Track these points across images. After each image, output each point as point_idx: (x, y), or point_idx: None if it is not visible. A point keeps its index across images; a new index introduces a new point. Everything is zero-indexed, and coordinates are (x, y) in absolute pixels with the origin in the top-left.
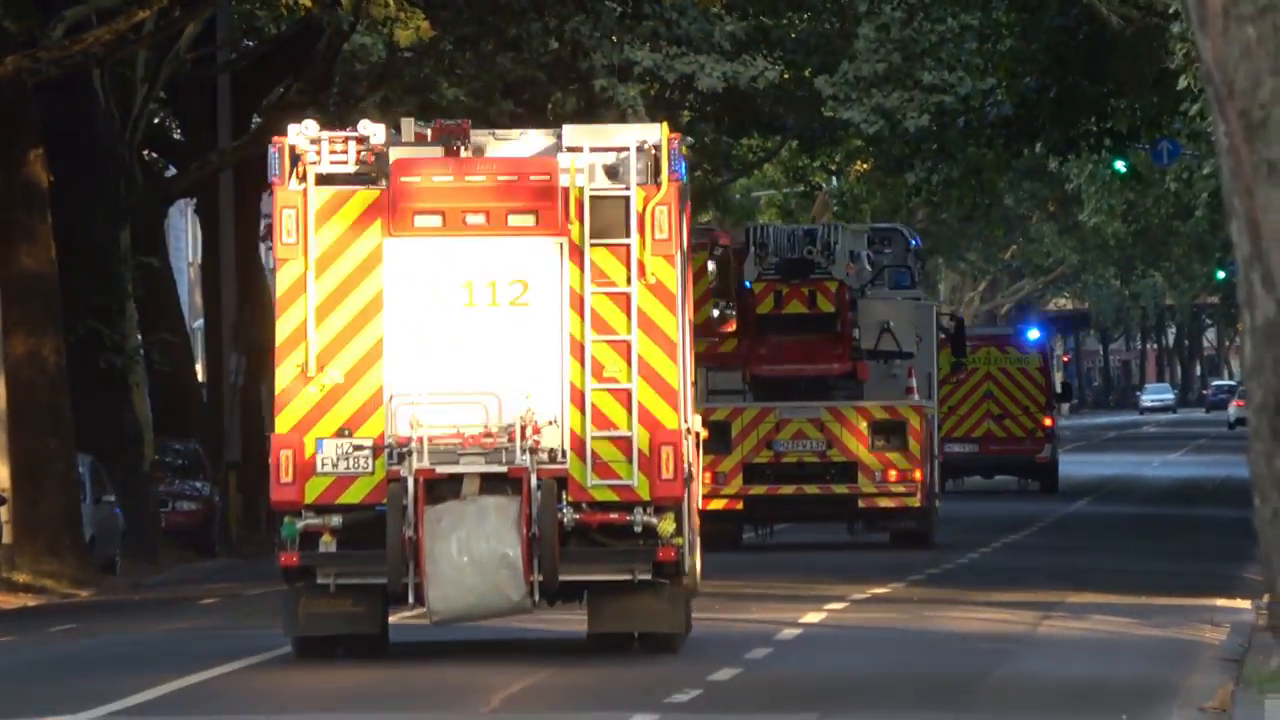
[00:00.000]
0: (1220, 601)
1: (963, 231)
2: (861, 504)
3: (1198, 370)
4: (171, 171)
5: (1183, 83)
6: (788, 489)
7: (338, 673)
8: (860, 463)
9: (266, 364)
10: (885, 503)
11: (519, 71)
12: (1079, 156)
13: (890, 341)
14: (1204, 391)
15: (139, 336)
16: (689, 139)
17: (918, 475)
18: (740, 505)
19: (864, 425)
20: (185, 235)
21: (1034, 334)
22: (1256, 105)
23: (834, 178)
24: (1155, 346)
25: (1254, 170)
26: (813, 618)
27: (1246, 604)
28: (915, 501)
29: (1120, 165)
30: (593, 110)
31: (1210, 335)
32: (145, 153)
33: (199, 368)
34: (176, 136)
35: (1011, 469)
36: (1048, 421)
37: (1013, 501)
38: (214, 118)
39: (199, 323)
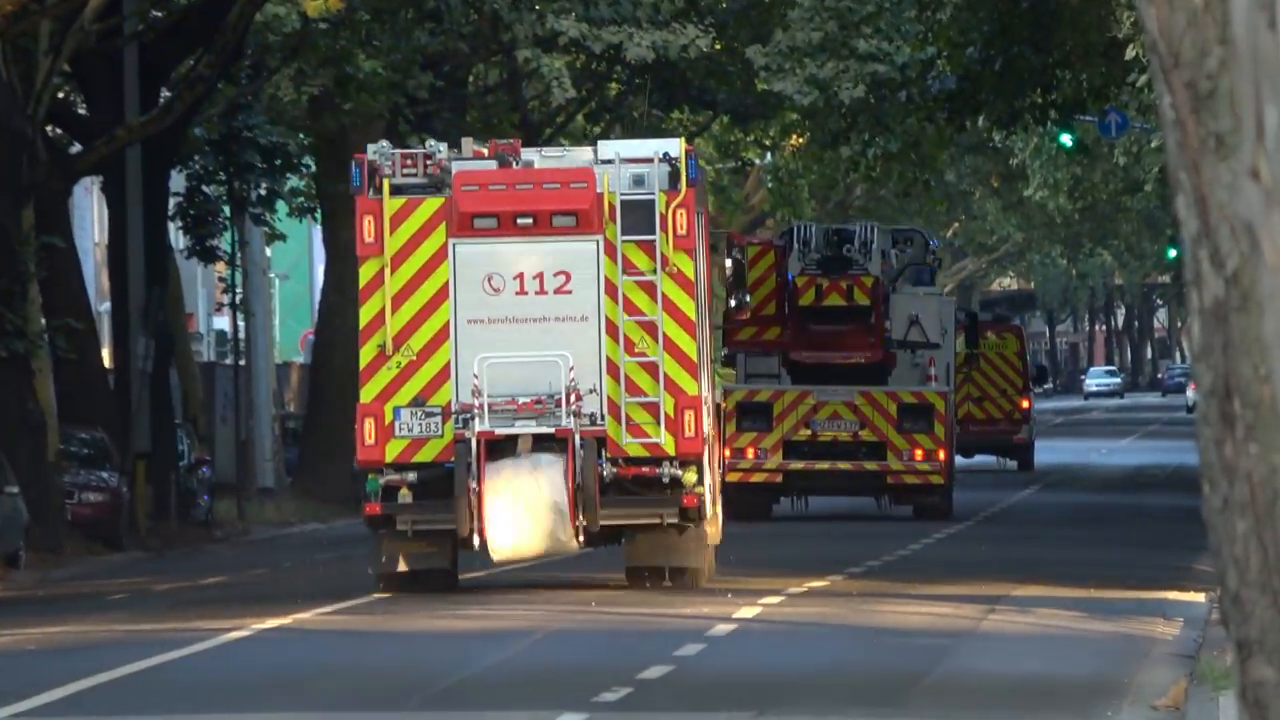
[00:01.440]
0: (1173, 595)
1: (902, 208)
2: (890, 480)
3: (1149, 352)
4: (76, 148)
5: (1131, 52)
6: (823, 465)
7: (249, 671)
8: (889, 442)
9: (178, 348)
10: (911, 479)
11: (439, 44)
12: (1023, 130)
13: (919, 333)
14: (1158, 375)
15: (42, 320)
16: (622, 113)
17: (941, 455)
18: (780, 479)
19: (893, 408)
20: (91, 214)
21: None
22: (1203, 76)
23: (768, 153)
24: (1104, 328)
25: (1201, 144)
26: (747, 612)
27: (1200, 597)
28: (939, 479)
29: (1066, 139)
30: (516, 83)
31: (1162, 316)
32: (49, 128)
33: (105, 353)
34: (81, 111)
35: (990, 449)
36: (1025, 403)
37: (956, 490)
38: (120, 92)
39: (105, 306)
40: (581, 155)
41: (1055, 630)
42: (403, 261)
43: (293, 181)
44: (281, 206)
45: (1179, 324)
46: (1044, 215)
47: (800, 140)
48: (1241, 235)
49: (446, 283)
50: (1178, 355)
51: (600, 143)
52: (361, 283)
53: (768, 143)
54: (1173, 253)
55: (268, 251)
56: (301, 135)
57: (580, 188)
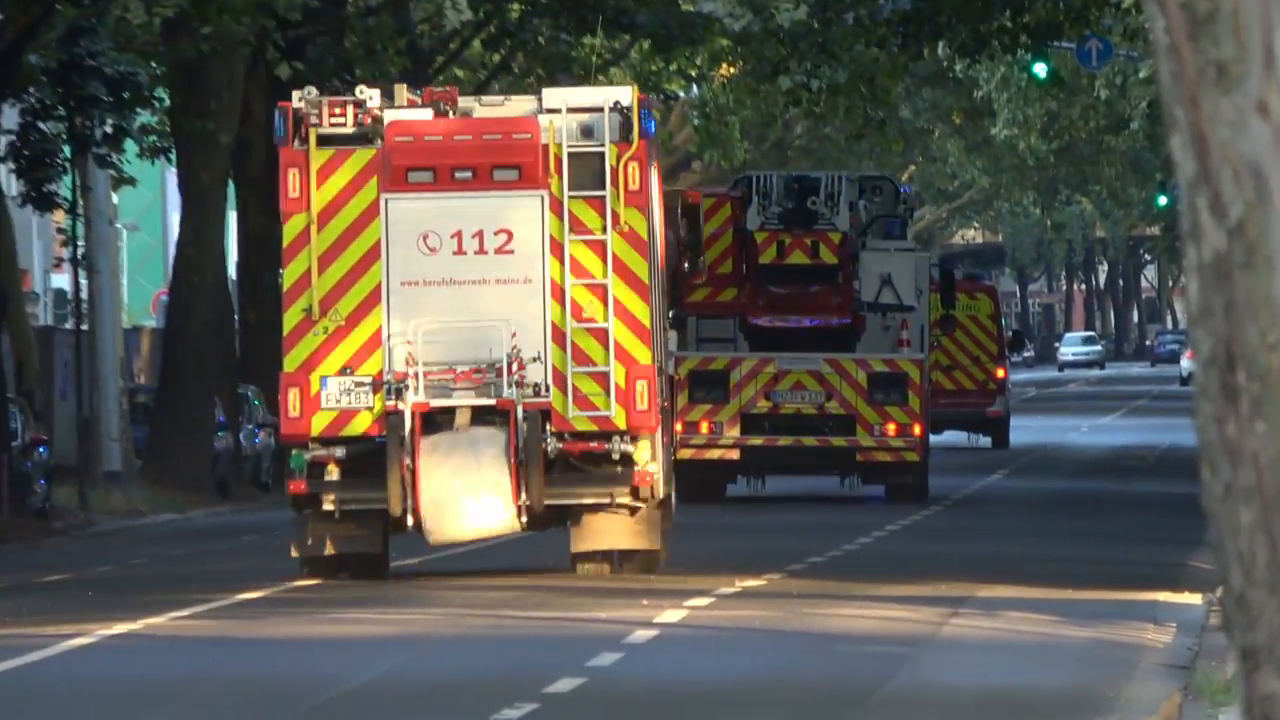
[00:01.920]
0: (1164, 596)
1: (850, 149)
2: (859, 457)
3: (1135, 316)
4: None
5: None
6: (785, 440)
7: (94, 683)
8: (859, 415)
9: (10, 311)
10: (883, 456)
11: None
12: (990, 58)
13: (890, 294)
14: (1145, 342)
15: None
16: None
17: (917, 430)
18: (737, 455)
19: (863, 378)
20: None
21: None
22: None
23: (694, 85)
24: (1083, 288)
25: (1199, 74)
26: (670, 616)
27: (1196, 598)
28: (914, 456)
29: (1040, 69)
30: (403, 3)
31: (1150, 274)
32: None
33: None
34: None
35: (961, 423)
36: (1000, 373)
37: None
38: None
39: None
40: (525, 104)
41: (1028, 637)
42: (330, 218)
43: (143, 117)
44: (130, 146)
45: (1171, 283)
46: (1014, 157)
47: (732, 70)
48: (1247, 179)
49: (378, 241)
50: (1169, 319)
51: (545, 90)
52: (285, 241)
53: (694, 73)
54: (1164, 200)
55: (114, 198)
56: (153, 64)
57: (524, 138)
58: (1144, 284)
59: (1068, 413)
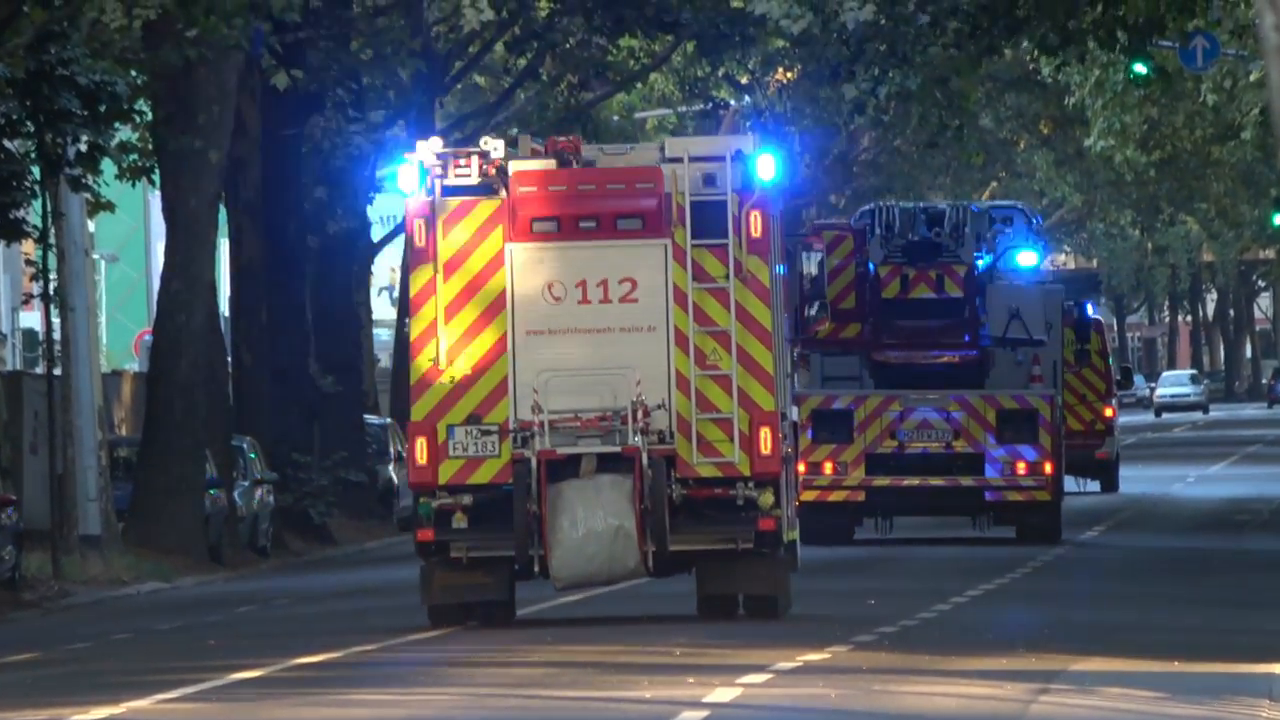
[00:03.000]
0: None
1: (924, 163)
2: (988, 497)
3: (1248, 350)
4: None
5: None
6: (912, 480)
7: None
8: (988, 454)
9: None
10: (1014, 496)
11: None
12: (1081, 58)
13: (1020, 329)
14: (1262, 380)
15: None
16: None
17: (1048, 468)
18: (863, 497)
19: (992, 415)
20: None
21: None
22: None
23: (746, 93)
24: (1189, 319)
25: None
26: (723, 695)
27: None
28: (1045, 495)
29: (1139, 69)
30: (409, 5)
31: (1264, 302)
32: None
33: None
34: None
35: (1069, 467)
36: (1109, 412)
37: (991, 544)
38: None
39: None
40: (647, 153)
41: (1129, 715)
42: (457, 268)
43: (123, 134)
44: (108, 166)
45: None
46: (1110, 171)
47: (789, 75)
48: None
49: (504, 291)
50: None
51: (667, 139)
52: (412, 291)
53: (745, 79)
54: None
55: (90, 226)
56: (134, 73)
57: (647, 188)
58: (1258, 314)
59: (1172, 461)
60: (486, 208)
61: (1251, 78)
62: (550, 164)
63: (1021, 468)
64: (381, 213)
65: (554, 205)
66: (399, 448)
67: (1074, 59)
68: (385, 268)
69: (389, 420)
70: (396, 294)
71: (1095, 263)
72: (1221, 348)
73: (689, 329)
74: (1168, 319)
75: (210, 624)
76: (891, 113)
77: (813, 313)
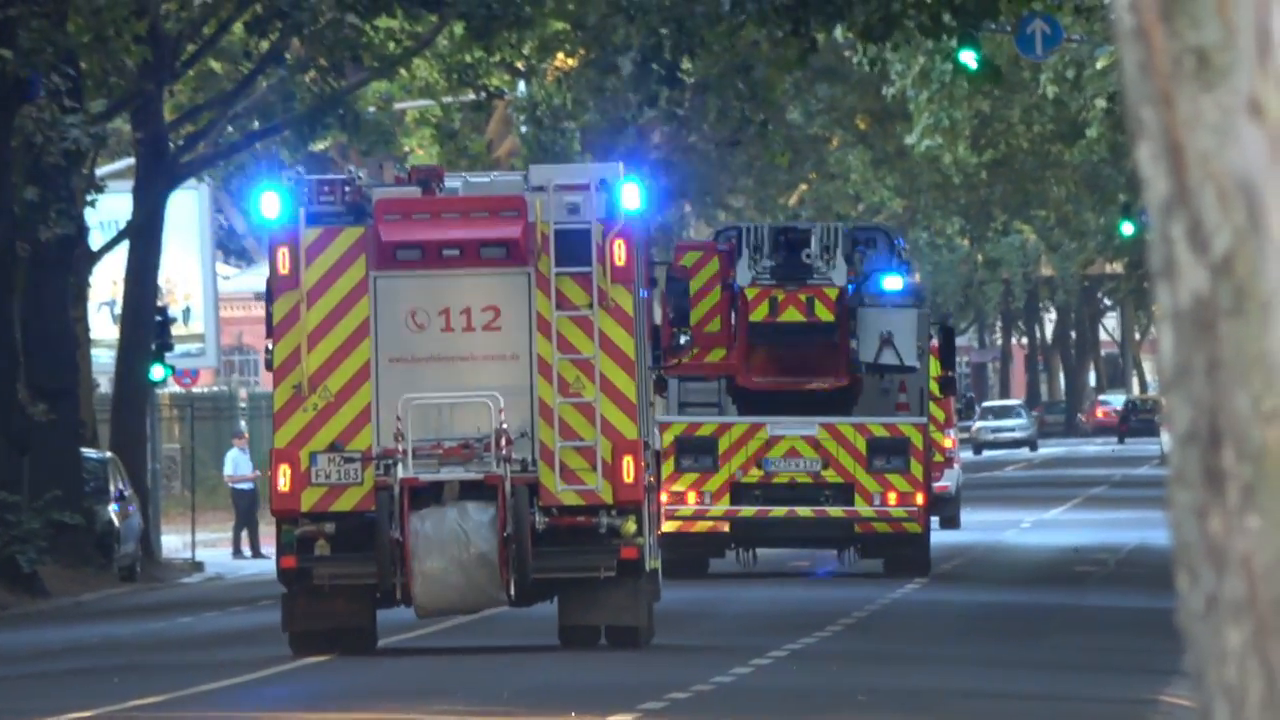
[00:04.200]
0: None
1: (723, 163)
2: (858, 528)
3: (1093, 377)
4: None
5: None
6: (779, 511)
7: None
8: (858, 484)
9: None
10: (883, 527)
11: None
12: (903, 44)
13: (891, 355)
14: (1114, 410)
15: None
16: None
17: (919, 499)
18: (727, 528)
19: (862, 444)
20: None
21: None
22: None
23: (521, 80)
24: (1024, 341)
25: (1175, 64)
26: None
27: None
28: (916, 528)
29: (968, 58)
30: None
31: (1111, 323)
32: None
33: None
34: None
35: None
36: (948, 442)
37: (809, 587)
38: None
39: None
40: (511, 182)
41: None
42: (320, 295)
43: None
44: None
45: (1139, 335)
46: (935, 173)
47: (570, 61)
48: (1235, 201)
49: (367, 318)
50: (1135, 380)
51: (532, 167)
52: (276, 318)
53: (521, 65)
54: (1129, 228)
55: None
56: None
57: (511, 216)
58: (1103, 336)
59: (1004, 503)
60: (350, 235)
61: (1099, 65)
62: (414, 192)
63: (893, 498)
64: (102, 218)
65: (418, 233)
66: (121, 485)
67: (897, 44)
68: (107, 280)
69: (109, 454)
70: (119, 310)
71: (918, 276)
72: (1062, 375)
73: (552, 357)
74: (1000, 341)
75: (57, 672)
76: (687, 105)
77: (680, 342)
